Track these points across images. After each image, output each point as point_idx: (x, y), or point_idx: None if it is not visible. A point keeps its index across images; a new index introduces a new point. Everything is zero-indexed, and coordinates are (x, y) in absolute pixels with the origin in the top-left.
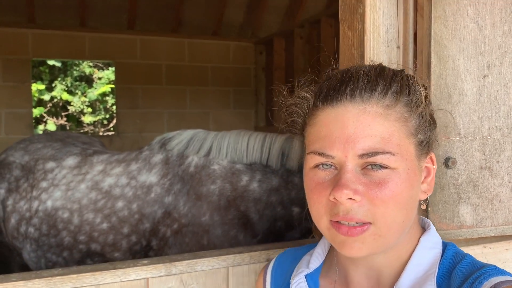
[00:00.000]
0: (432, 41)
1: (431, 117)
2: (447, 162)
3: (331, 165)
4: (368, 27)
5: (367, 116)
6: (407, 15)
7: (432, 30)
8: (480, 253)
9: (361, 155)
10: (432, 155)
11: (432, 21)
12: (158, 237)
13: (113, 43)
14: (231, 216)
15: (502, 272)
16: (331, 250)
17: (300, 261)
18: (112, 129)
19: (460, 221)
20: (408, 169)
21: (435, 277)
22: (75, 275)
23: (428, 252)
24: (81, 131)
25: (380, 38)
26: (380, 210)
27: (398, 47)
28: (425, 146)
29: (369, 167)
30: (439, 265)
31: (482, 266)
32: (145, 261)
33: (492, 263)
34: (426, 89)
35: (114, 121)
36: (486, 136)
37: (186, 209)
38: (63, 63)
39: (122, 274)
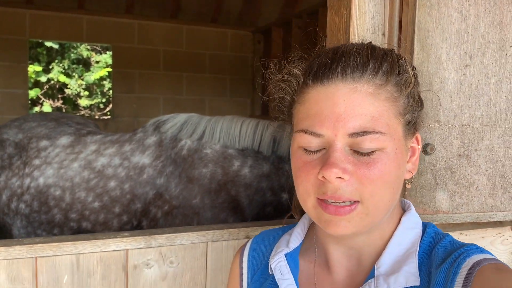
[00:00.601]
0: (416, 28)
1: (419, 97)
2: (426, 148)
3: (318, 151)
4: (354, 13)
5: (358, 95)
6: (393, 2)
7: (416, 18)
8: None
9: (351, 134)
10: (418, 135)
11: (417, 9)
12: (149, 217)
13: (111, 27)
14: (221, 200)
15: (482, 250)
16: (311, 229)
17: (279, 241)
18: (108, 113)
19: (436, 207)
20: (396, 149)
21: (417, 254)
22: (56, 244)
23: (409, 231)
24: (77, 114)
25: (365, 24)
26: (368, 189)
27: (383, 34)
28: (412, 126)
29: (359, 153)
30: (420, 244)
31: (463, 244)
32: (126, 233)
33: None
34: (414, 69)
35: (111, 105)
36: (465, 125)
37: (178, 191)
38: (60, 45)
39: (102, 244)
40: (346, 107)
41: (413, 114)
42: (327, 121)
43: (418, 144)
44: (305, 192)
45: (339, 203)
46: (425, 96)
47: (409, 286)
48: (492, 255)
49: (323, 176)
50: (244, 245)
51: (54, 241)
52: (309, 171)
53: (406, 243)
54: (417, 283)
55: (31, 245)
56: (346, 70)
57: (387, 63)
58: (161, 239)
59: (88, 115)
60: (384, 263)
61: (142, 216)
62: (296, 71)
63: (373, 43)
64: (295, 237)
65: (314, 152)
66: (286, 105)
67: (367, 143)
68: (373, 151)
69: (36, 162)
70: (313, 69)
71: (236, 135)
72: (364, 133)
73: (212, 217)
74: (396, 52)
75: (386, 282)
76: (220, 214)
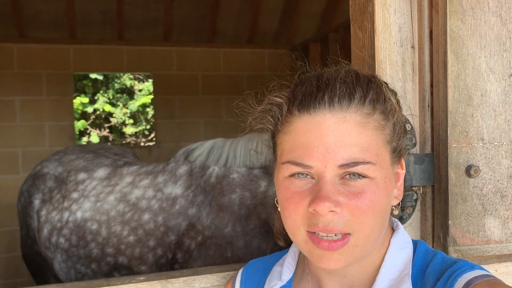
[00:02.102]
0: (448, 38)
1: (403, 124)
2: (469, 171)
3: (307, 175)
4: (378, 26)
5: (347, 125)
6: (421, 12)
7: (448, 27)
8: None
9: (342, 165)
10: (402, 160)
11: (448, 17)
12: (183, 250)
13: (150, 55)
14: (252, 226)
15: (473, 266)
16: (301, 259)
17: (270, 273)
18: (154, 139)
19: (486, 236)
20: (385, 177)
21: (410, 277)
22: None
23: (400, 252)
24: (123, 142)
25: (391, 37)
26: (360, 220)
27: (412, 47)
28: (398, 153)
29: (347, 176)
30: (412, 264)
31: (454, 262)
32: (141, 278)
33: None
34: (396, 95)
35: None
36: None
37: (209, 221)
38: (105, 76)
39: None
40: (336, 137)
41: (399, 141)
42: (316, 152)
43: (402, 169)
44: (294, 225)
45: (331, 236)
46: (465, 112)
47: None
48: (484, 269)
49: (314, 210)
50: (234, 278)
51: None
52: (298, 203)
53: (399, 265)
54: None
55: None
56: (333, 99)
57: (373, 90)
58: (178, 283)
59: (134, 142)
60: None
61: (177, 248)
62: (279, 99)
63: (402, 57)
64: (287, 268)
65: (302, 178)
66: (268, 135)
67: (357, 173)
68: (363, 177)
69: (74, 195)
70: (298, 97)
71: (255, 153)
72: (354, 164)
73: (245, 245)
74: (377, 78)
75: None
76: (252, 241)
